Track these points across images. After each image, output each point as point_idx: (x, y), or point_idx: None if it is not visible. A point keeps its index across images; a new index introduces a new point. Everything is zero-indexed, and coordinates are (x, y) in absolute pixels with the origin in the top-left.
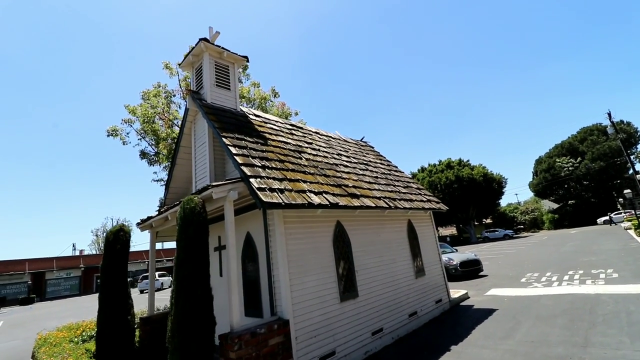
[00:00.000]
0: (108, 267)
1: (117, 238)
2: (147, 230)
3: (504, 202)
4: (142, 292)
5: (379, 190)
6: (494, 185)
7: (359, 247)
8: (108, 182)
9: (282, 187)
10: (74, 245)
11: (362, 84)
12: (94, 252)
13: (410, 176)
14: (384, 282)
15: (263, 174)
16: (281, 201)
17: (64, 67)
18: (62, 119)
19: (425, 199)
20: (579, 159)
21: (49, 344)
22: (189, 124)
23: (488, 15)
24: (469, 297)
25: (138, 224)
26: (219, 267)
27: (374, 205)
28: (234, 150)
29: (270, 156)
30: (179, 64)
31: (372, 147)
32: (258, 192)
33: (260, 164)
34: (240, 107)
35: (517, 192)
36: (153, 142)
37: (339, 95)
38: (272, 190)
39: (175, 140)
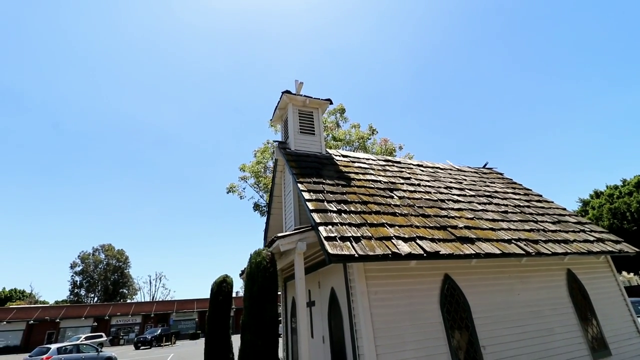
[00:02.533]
0: (212, 317)
1: (220, 289)
2: None
3: None
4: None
5: (509, 230)
6: None
7: (483, 311)
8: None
9: (359, 235)
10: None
11: (495, 108)
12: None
13: (563, 207)
14: None
15: (337, 220)
16: (353, 252)
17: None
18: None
19: (592, 238)
20: None
21: None
22: (279, 173)
23: None
24: None
25: (240, 274)
26: (310, 326)
27: (498, 251)
28: (307, 195)
29: (350, 198)
30: (270, 120)
31: (501, 174)
32: (325, 242)
33: (335, 209)
34: (327, 150)
35: None
36: (264, 195)
37: (468, 123)
38: (343, 239)
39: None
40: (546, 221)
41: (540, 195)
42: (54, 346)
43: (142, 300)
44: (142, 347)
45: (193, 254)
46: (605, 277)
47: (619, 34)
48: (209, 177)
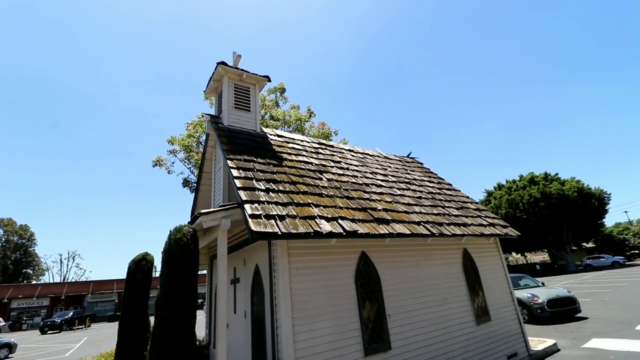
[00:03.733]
0: (128, 296)
1: (139, 267)
2: None
3: (609, 221)
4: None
5: (420, 213)
6: (593, 202)
7: (392, 284)
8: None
9: (284, 213)
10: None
11: (427, 101)
12: None
13: (467, 195)
14: (429, 330)
15: (264, 198)
16: (277, 230)
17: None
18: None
19: (486, 223)
20: None
21: None
22: (210, 149)
23: (576, 23)
24: (558, 350)
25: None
26: (234, 302)
27: (408, 232)
28: (235, 172)
29: (280, 178)
30: (204, 92)
31: (420, 163)
32: (249, 220)
33: (264, 187)
34: (262, 128)
35: (627, 209)
36: (195, 170)
37: (402, 115)
38: (269, 217)
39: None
40: (452, 207)
41: (451, 184)
42: None
43: (51, 282)
44: (49, 332)
45: (114, 231)
46: (493, 256)
47: (533, 44)
48: (133, 147)
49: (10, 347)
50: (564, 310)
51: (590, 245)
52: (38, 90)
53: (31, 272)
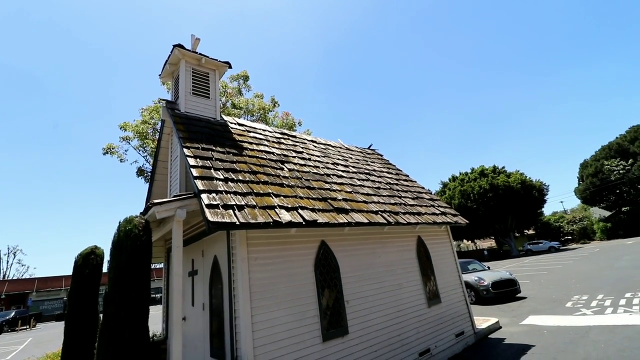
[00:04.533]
0: (75, 293)
1: (87, 262)
2: None
3: (547, 210)
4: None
5: (378, 203)
6: (533, 193)
7: (350, 271)
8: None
9: (243, 203)
10: None
11: (390, 93)
12: None
13: (422, 186)
14: (384, 313)
15: (222, 188)
16: (235, 220)
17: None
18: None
19: (438, 212)
20: (631, 160)
21: None
22: (166, 136)
23: (523, 14)
24: (500, 327)
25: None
26: (192, 295)
27: (366, 221)
28: (192, 161)
29: (240, 167)
30: (159, 76)
31: (380, 155)
32: (206, 210)
33: (222, 177)
34: (222, 116)
35: (563, 200)
36: (151, 159)
37: (366, 107)
38: (226, 207)
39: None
40: (408, 197)
41: (408, 176)
42: None
43: None
44: None
45: (61, 225)
46: (444, 243)
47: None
48: (81, 133)
49: None
50: (506, 292)
51: (531, 232)
52: None
53: None
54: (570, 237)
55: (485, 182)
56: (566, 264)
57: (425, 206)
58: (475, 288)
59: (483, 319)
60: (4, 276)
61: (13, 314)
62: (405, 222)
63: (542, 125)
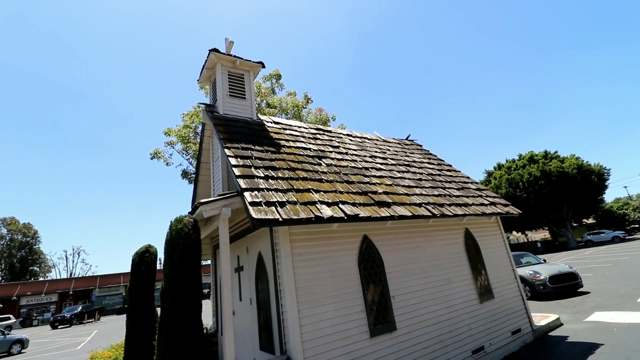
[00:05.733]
0: (134, 289)
1: (143, 260)
2: None
3: (609, 197)
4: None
5: (421, 195)
6: (592, 179)
7: (394, 266)
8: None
9: (285, 200)
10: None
11: (426, 80)
12: None
13: (467, 176)
14: (433, 309)
15: (263, 186)
16: (278, 217)
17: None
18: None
19: (487, 202)
20: None
21: None
22: (207, 138)
23: None
24: (561, 325)
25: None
26: (239, 290)
27: (410, 214)
28: (233, 161)
29: (279, 165)
30: (198, 81)
31: (420, 145)
32: (250, 207)
33: (263, 175)
34: (259, 115)
35: (627, 184)
36: (194, 161)
37: (401, 96)
38: (269, 204)
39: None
40: (452, 188)
41: (451, 165)
42: None
43: (58, 278)
44: (60, 327)
45: (116, 225)
46: (494, 235)
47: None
48: (130, 141)
49: (23, 343)
50: (565, 286)
51: (590, 221)
52: (32, 90)
53: (38, 269)
54: (637, 226)
55: (535, 168)
56: (635, 254)
57: (472, 197)
58: (531, 283)
59: (541, 315)
60: (70, 274)
61: (80, 308)
62: (452, 214)
63: (599, 104)
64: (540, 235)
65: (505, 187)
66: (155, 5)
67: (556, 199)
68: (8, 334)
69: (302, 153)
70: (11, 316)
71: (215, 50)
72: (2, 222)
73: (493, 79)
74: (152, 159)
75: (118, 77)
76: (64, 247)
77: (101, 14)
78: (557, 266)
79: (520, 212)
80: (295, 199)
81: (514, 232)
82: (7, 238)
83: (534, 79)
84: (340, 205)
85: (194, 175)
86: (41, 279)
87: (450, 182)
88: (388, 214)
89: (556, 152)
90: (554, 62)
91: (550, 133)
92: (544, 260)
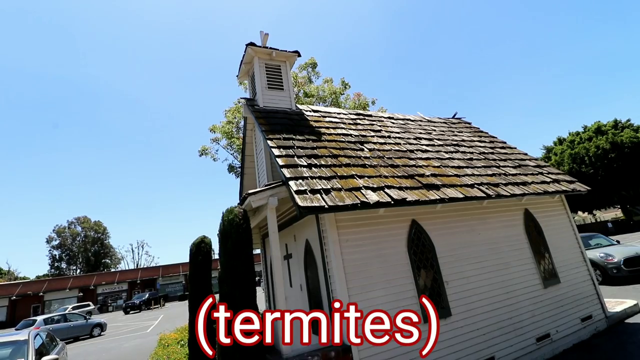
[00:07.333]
0: (193, 276)
1: (199, 249)
2: None
3: None
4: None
5: (473, 175)
6: None
7: (447, 251)
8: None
9: (329, 187)
10: None
11: (472, 53)
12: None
13: (524, 152)
14: (491, 295)
15: (307, 174)
16: (323, 204)
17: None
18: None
19: (549, 179)
20: None
21: (162, 346)
22: (249, 132)
23: None
24: None
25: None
26: (289, 277)
27: (461, 195)
28: (276, 152)
29: (321, 152)
30: (237, 76)
31: (468, 123)
32: (296, 196)
33: (306, 163)
34: (297, 105)
35: None
36: (238, 155)
37: (445, 73)
38: (314, 191)
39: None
40: (508, 166)
41: (505, 142)
42: (40, 318)
43: (127, 268)
44: (131, 312)
45: (173, 219)
46: (559, 215)
47: None
48: (181, 140)
49: (102, 326)
50: None
51: None
52: (90, 97)
53: (109, 261)
54: None
55: (604, 140)
56: None
57: (532, 174)
58: (602, 266)
59: (616, 301)
60: (137, 265)
61: (147, 295)
62: (509, 194)
63: None
64: (610, 214)
65: (569, 163)
66: (188, 11)
67: (630, 174)
68: (89, 318)
69: (343, 139)
70: (90, 303)
71: (252, 44)
72: (77, 221)
73: (547, 47)
74: (200, 155)
75: (161, 82)
76: (129, 241)
77: (143, 27)
78: (634, 247)
79: (588, 188)
80: (340, 186)
81: (580, 213)
82: (82, 235)
83: (592, 47)
84: (386, 190)
85: (239, 169)
86: (112, 270)
87: (505, 160)
88: (437, 197)
89: (629, 120)
90: (618, 26)
91: (617, 101)
92: (617, 242)
